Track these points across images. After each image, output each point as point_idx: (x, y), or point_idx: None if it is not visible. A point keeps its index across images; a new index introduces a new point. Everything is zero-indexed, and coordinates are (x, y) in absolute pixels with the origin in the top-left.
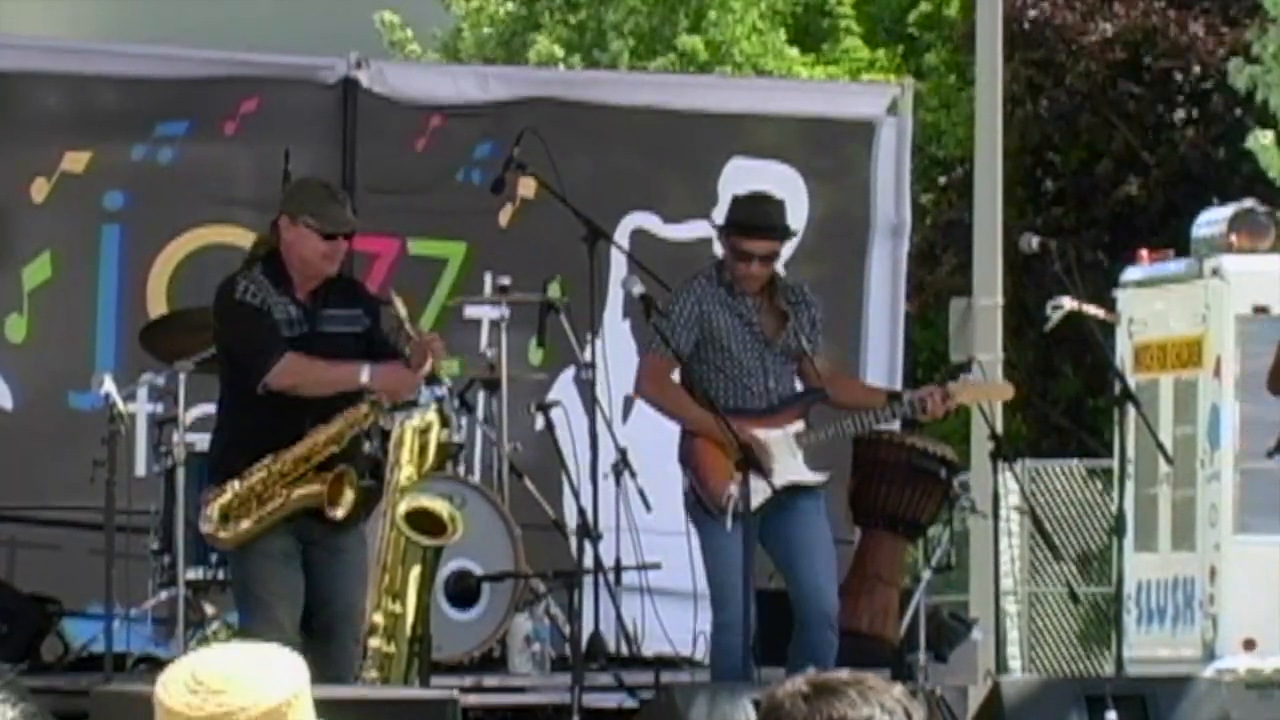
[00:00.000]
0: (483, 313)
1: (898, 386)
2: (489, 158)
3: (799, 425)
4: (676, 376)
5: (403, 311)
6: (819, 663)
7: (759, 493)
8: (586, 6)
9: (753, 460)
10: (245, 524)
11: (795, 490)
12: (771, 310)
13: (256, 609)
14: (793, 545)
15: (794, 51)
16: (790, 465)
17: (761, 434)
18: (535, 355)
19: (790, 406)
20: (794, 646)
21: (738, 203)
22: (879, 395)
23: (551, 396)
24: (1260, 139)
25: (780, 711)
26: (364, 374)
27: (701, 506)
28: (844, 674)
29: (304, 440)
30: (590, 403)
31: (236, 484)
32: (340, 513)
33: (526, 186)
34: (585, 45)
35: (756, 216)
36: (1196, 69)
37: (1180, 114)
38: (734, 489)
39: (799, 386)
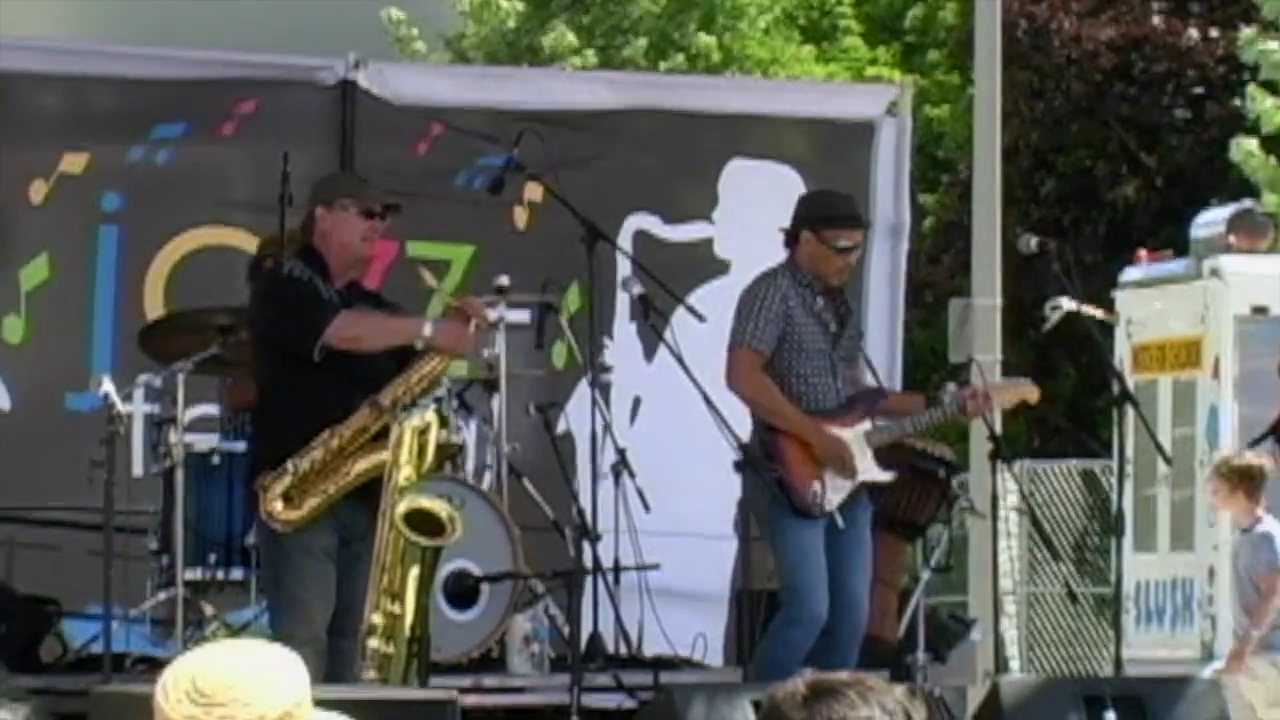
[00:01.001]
0: (512, 316)
1: (897, 385)
2: (495, 164)
3: (866, 424)
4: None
5: (433, 282)
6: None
7: (840, 490)
8: (597, 6)
9: (750, 459)
10: (312, 502)
11: (852, 500)
12: (835, 310)
13: (292, 606)
14: (839, 554)
15: (807, 50)
16: (863, 465)
17: (838, 433)
18: (559, 358)
19: (856, 406)
20: (816, 654)
21: (819, 199)
22: (919, 399)
23: (573, 402)
24: (1245, 145)
25: (779, 713)
26: (426, 327)
27: (782, 505)
28: (844, 675)
29: (357, 412)
30: (602, 404)
31: (295, 464)
32: None
33: (534, 190)
34: (596, 45)
35: (845, 208)
36: (1191, 73)
37: (1177, 114)
38: (817, 486)
39: None
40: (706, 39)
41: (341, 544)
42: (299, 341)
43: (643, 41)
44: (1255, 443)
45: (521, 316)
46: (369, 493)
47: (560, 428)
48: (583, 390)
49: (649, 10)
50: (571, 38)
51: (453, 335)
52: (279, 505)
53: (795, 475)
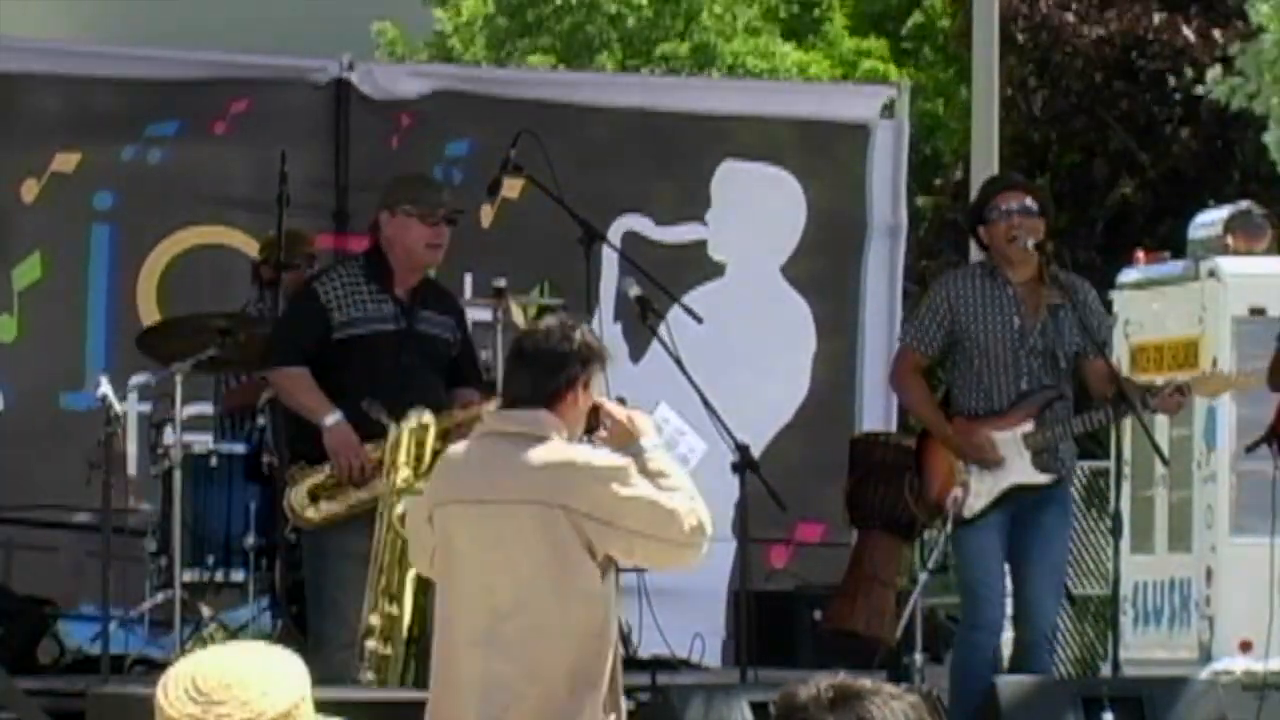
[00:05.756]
0: (475, 315)
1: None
2: (465, 155)
3: (1028, 426)
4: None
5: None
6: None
7: (981, 496)
8: (572, 13)
9: (747, 461)
10: (333, 508)
11: (1041, 502)
12: (1033, 303)
13: (330, 609)
14: (1022, 556)
15: (786, 48)
16: (1016, 466)
17: (990, 434)
18: None
19: (1022, 406)
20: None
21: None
22: (1111, 387)
23: None
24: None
25: (804, 713)
26: (329, 418)
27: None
28: (867, 682)
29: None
30: None
31: (330, 465)
32: None
33: (511, 187)
34: (572, 54)
35: (1000, 177)
36: (1189, 72)
37: (1176, 113)
38: (958, 492)
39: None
40: (670, 45)
41: None
42: (265, 351)
43: (608, 53)
44: (1252, 448)
45: (483, 315)
46: None
47: None
48: None
49: (623, 15)
50: (538, 57)
51: (341, 441)
52: (305, 501)
53: (933, 483)
